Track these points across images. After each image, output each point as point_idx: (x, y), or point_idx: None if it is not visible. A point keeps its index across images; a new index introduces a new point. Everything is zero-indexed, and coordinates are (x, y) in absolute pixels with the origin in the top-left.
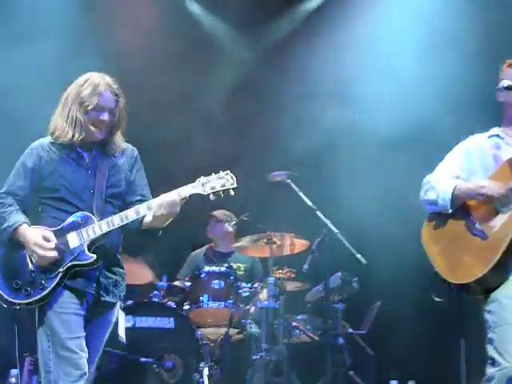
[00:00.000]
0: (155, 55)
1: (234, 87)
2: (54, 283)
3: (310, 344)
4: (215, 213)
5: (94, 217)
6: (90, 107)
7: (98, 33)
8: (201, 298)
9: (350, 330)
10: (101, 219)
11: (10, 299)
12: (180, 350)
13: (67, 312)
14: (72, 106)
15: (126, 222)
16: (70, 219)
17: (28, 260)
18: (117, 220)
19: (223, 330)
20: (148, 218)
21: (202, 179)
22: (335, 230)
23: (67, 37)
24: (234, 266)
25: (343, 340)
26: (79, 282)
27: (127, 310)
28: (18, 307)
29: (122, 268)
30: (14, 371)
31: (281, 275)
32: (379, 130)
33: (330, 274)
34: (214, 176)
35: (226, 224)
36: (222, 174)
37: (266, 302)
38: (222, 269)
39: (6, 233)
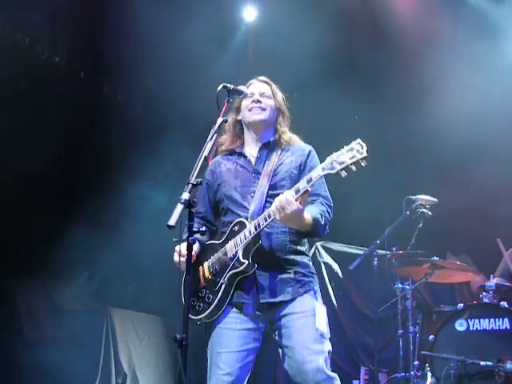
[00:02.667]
0: None
1: None
2: (219, 296)
3: None
4: None
5: (246, 221)
6: (243, 98)
7: None
8: None
9: None
10: None
11: (191, 316)
12: None
13: (223, 327)
14: (232, 115)
15: (268, 221)
16: (229, 229)
17: (200, 275)
18: (261, 221)
19: None
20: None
21: (333, 155)
22: None
23: None
24: None
25: None
26: (237, 295)
27: (459, 314)
28: (198, 323)
29: (295, 264)
30: (356, 382)
31: None
32: None
33: None
34: (344, 149)
35: None
36: (352, 144)
37: None
38: None
39: None
